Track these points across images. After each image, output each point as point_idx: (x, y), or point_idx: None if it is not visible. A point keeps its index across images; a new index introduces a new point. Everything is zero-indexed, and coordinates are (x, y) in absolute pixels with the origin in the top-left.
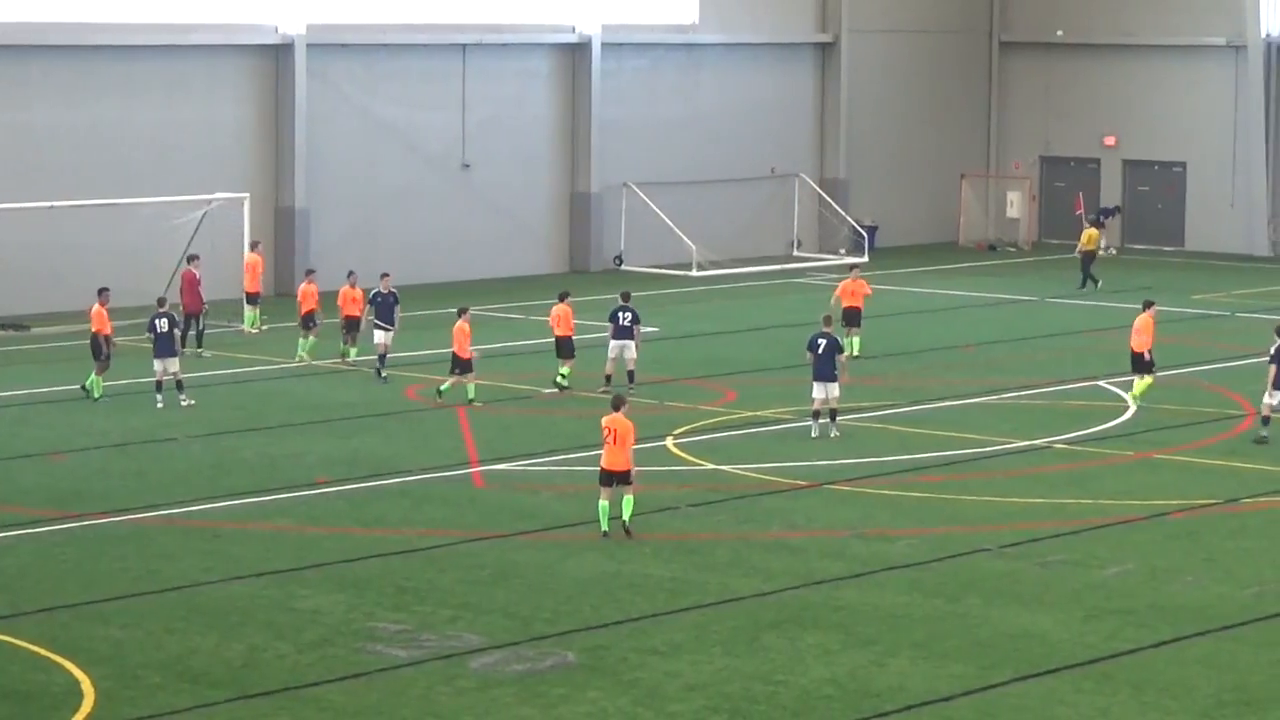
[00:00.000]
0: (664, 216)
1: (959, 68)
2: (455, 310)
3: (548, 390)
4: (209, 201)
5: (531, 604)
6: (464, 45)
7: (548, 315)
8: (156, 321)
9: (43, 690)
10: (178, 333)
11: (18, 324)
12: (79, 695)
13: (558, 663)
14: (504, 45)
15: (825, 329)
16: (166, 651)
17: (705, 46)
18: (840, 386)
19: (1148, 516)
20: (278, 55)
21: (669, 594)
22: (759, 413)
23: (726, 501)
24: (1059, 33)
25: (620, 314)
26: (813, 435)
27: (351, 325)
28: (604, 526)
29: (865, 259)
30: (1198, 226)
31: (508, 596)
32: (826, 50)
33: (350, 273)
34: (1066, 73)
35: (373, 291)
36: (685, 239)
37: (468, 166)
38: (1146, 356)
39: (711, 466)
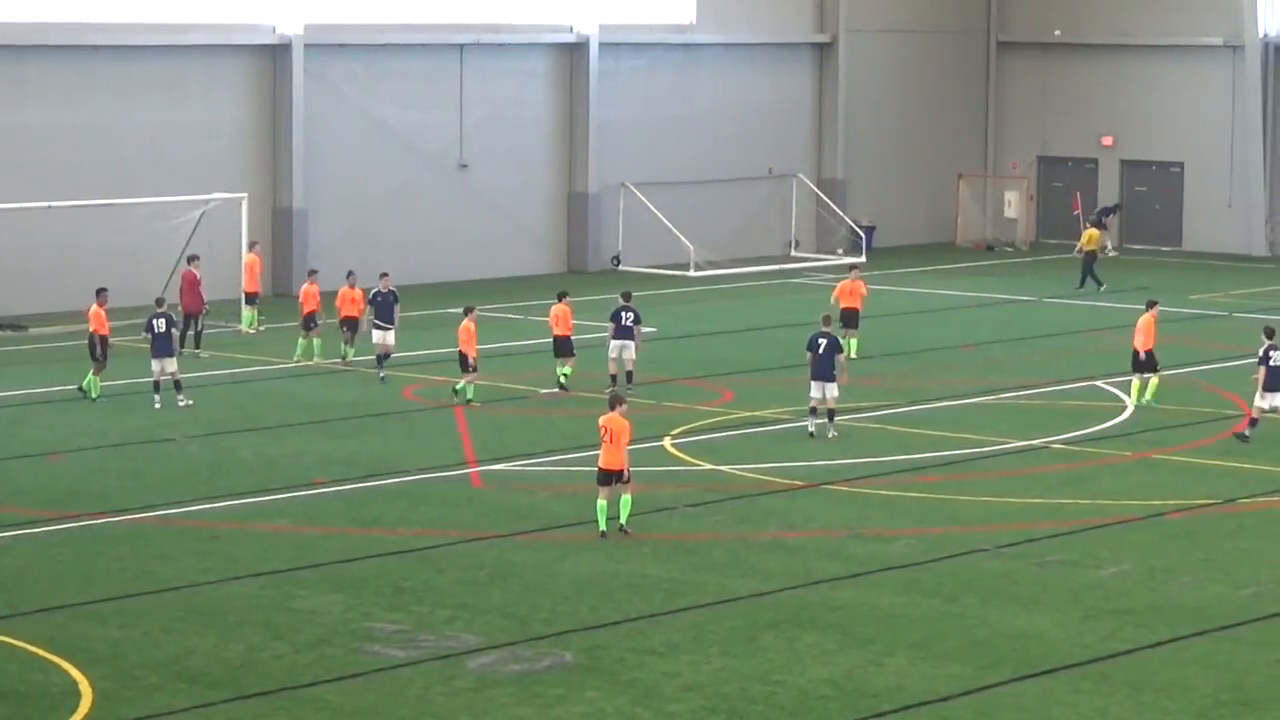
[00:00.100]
0: (661, 217)
1: (956, 68)
2: (461, 310)
3: (545, 390)
4: (207, 202)
5: (529, 604)
6: (461, 45)
7: (547, 315)
8: (154, 322)
9: (41, 690)
10: (175, 333)
11: (15, 324)
12: (77, 695)
13: (555, 663)
14: (501, 45)
15: (825, 329)
16: (164, 651)
17: (703, 46)
18: (839, 387)
19: (1145, 517)
20: (275, 55)
21: (666, 594)
22: (757, 413)
23: (724, 502)
24: (1056, 33)
25: (622, 314)
26: (809, 430)
27: (350, 325)
28: (602, 526)
29: (863, 259)
30: (1195, 227)
31: (505, 597)
32: (824, 50)
33: (349, 273)
34: (1064, 73)
35: (372, 291)
36: (683, 239)
37: (465, 166)
38: (1141, 356)
39: (709, 467)
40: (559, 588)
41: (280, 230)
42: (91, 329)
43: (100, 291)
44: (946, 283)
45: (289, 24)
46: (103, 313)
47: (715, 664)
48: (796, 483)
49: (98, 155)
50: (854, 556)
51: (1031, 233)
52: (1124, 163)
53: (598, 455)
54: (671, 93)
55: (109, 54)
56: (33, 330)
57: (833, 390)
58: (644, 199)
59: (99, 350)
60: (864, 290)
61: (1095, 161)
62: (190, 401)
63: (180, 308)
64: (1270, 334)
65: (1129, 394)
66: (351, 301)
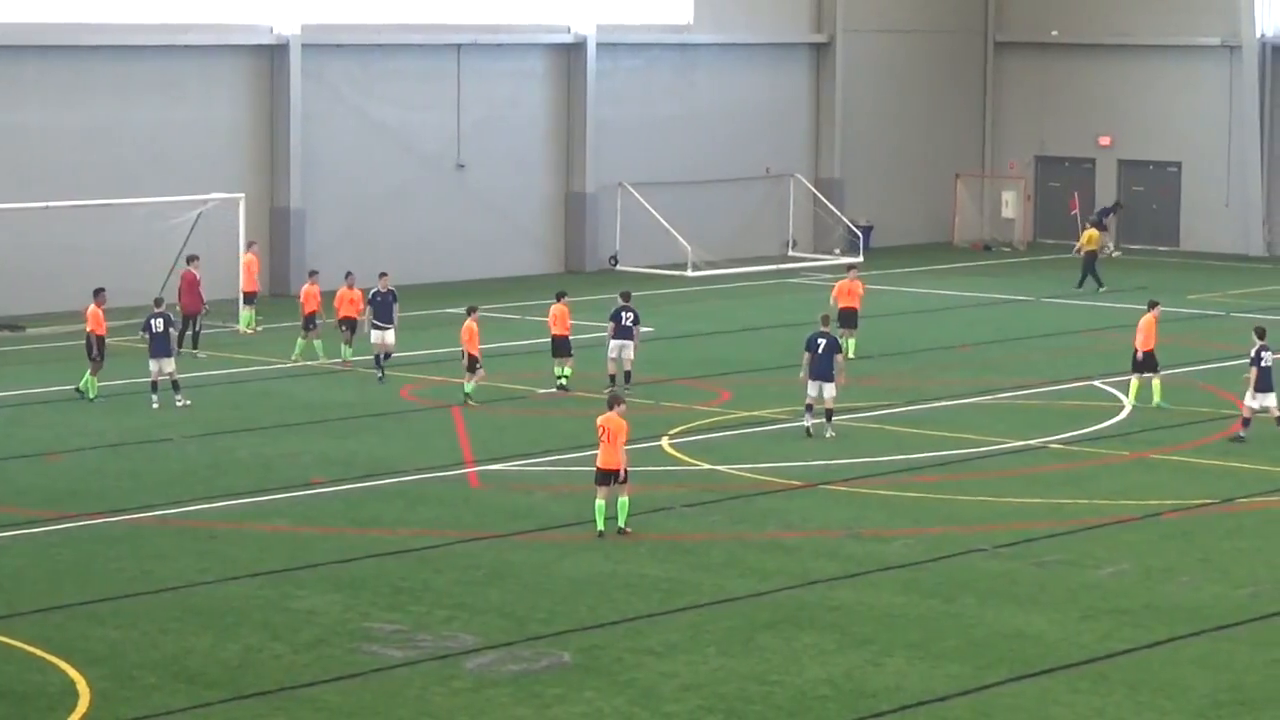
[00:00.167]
0: (659, 217)
1: (954, 68)
2: (464, 310)
3: (543, 390)
4: (204, 202)
5: (527, 604)
6: (459, 45)
7: (546, 315)
8: (152, 321)
9: (39, 691)
10: (173, 333)
11: (13, 324)
12: (75, 695)
13: (553, 663)
14: (499, 45)
15: (823, 328)
16: (162, 652)
17: (700, 46)
18: (837, 387)
19: (1143, 516)
20: (273, 55)
21: (664, 594)
22: (754, 413)
23: (722, 502)
24: (1054, 33)
25: (623, 314)
26: (807, 428)
27: (348, 326)
28: (600, 526)
29: (860, 259)
30: (1193, 227)
31: (503, 597)
32: (821, 50)
33: (348, 274)
34: (1061, 73)
35: (372, 291)
36: (680, 239)
37: (463, 167)
38: (1139, 356)
39: (707, 467)
40: (557, 588)
41: (278, 230)
42: (89, 329)
43: (98, 292)
44: (944, 283)
45: (286, 24)
46: (100, 313)
47: (713, 664)
48: (794, 483)
49: (95, 155)
50: (852, 556)
51: (1029, 233)
52: (1121, 162)
53: (596, 455)
54: (669, 93)
55: (107, 54)
56: (30, 330)
57: (830, 390)
58: (641, 199)
59: (95, 350)
60: (861, 290)
61: (1093, 161)
62: (188, 402)
63: (179, 308)
64: (1262, 334)
65: (1128, 394)
66: (350, 302)
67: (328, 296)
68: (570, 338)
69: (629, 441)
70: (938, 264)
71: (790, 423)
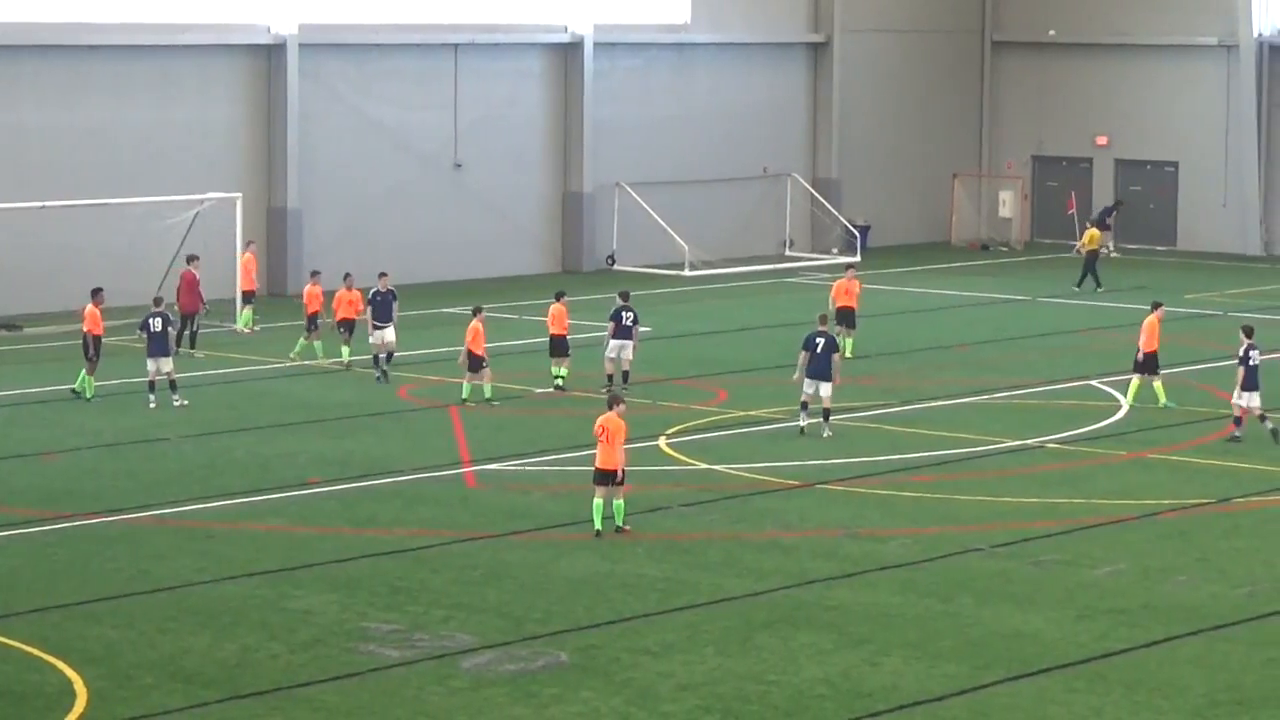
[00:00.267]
0: (656, 216)
1: (951, 67)
2: (471, 310)
3: (540, 390)
4: (201, 201)
5: (524, 604)
6: (456, 45)
7: (545, 315)
8: (150, 321)
9: (36, 691)
10: (172, 332)
11: (10, 324)
12: (72, 695)
13: (550, 663)
14: (496, 45)
15: (821, 328)
16: (159, 651)
17: (697, 46)
18: (833, 386)
19: (1140, 516)
20: (270, 55)
21: (661, 594)
22: (751, 412)
23: (719, 501)
24: (1051, 32)
25: (623, 314)
26: (800, 424)
27: (346, 327)
28: (597, 525)
29: (858, 259)
30: (1190, 226)
31: (500, 596)
32: (819, 50)
33: (346, 275)
34: (1059, 72)
35: (371, 291)
36: (678, 239)
37: (460, 166)
38: (1140, 357)
39: (704, 466)
40: (554, 587)
41: (275, 230)
42: (85, 329)
43: (96, 292)
44: (941, 282)
45: (283, 24)
46: (98, 312)
47: (710, 664)
48: (791, 482)
49: (93, 155)
50: (849, 556)
51: (1026, 232)
52: (1119, 162)
53: (593, 455)
54: (666, 92)
55: (104, 54)
56: (28, 330)
57: (826, 389)
58: (639, 199)
59: (92, 350)
60: (858, 289)
61: (1090, 161)
62: (185, 402)
63: (177, 307)
64: (1249, 333)
65: (1126, 394)
66: (349, 304)
67: (328, 297)
68: (568, 337)
69: (626, 442)
70: (935, 264)
71: (788, 422)
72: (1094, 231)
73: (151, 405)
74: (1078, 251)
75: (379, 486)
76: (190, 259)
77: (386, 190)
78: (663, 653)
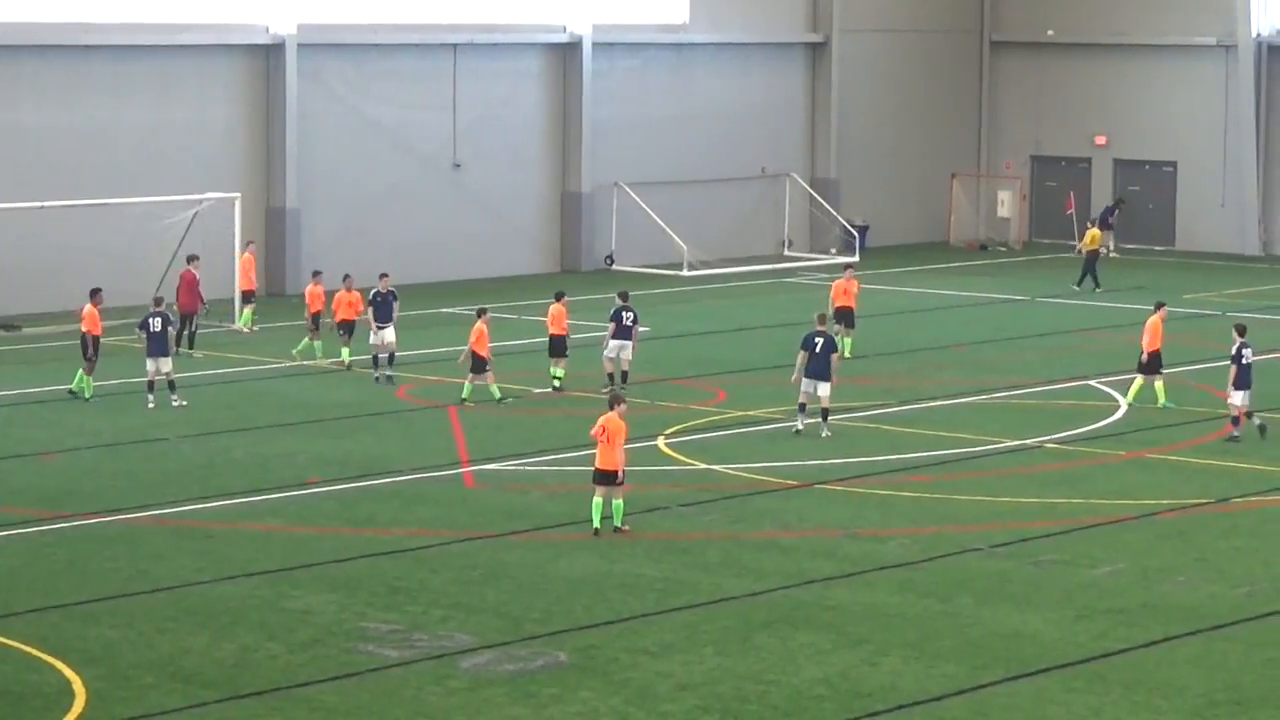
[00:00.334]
0: (655, 216)
1: (950, 67)
2: (475, 311)
3: (539, 390)
4: (200, 202)
5: (523, 604)
6: (455, 45)
7: (545, 315)
8: (150, 321)
9: (35, 691)
10: (171, 332)
11: (9, 324)
12: (71, 695)
13: (549, 663)
14: (495, 45)
15: (820, 328)
16: (158, 651)
17: (696, 46)
18: (830, 386)
19: (1139, 516)
20: (269, 55)
21: (660, 594)
22: (750, 412)
23: (718, 501)
24: (1050, 32)
25: (623, 314)
26: (798, 427)
27: (346, 328)
28: (596, 524)
29: (856, 259)
30: (1188, 226)
31: (499, 596)
32: (817, 50)
33: (346, 276)
34: (1057, 72)
35: (372, 291)
36: (676, 239)
37: (459, 166)
38: (1144, 357)
39: (703, 466)
40: (553, 587)
41: (273, 230)
42: (84, 328)
43: (95, 292)
44: (940, 282)
45: (282, 24)
46: (96, 313)
47: (709, 664)
48: (790, 482)
49: (91, 155)
50: (848, 556)
51: (1025, 232)
52: (1117, 162)
53: (592, 455)
54: (665, 92)
55: (103, 54)
56: (26, 330)
57: (825, 389)
58: (637, 199)
59: (90, 350)
60: (857, 289)
61: (1089, 161)
62: (184, 402)
63: (176, 307)
64: (1242, 331)
65: (1126, 394)
66: (348, 304)
67: (328, 297)
68: (567, 337)
69: (626, 442)
70: (933, 264)
71: (786, 422)
72: (1094, 231)
73: (150, 405)
74: (1078, 252)
75: (378, 486)
76: (190, 259)
77: (385, 190)
78: (661, 653)
